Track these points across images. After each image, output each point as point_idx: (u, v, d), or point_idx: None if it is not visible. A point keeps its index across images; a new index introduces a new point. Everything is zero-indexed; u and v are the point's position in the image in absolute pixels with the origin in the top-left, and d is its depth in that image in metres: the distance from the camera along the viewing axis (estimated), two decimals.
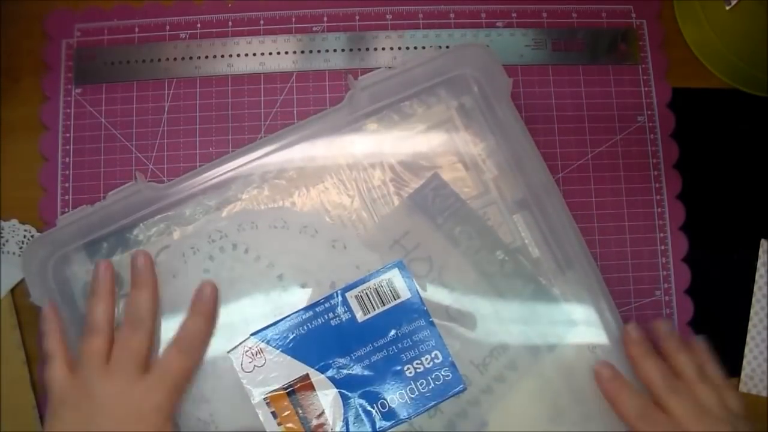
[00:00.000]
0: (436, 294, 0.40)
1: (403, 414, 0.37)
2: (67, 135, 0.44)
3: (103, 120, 0.44)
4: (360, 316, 0.38)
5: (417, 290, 0.38)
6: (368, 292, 0.39)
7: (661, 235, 0.45)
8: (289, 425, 0.37)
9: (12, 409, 0.42)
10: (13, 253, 0.43)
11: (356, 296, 0.38)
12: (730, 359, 0.44)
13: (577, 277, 0.40)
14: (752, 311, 0.45)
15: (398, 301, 0.38)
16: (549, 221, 0.41)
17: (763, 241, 0.45)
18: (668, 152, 0.45)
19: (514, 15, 0.46)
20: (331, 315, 0.38)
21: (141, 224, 0.41)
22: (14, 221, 0.43)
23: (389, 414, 0.37)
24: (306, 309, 0.38)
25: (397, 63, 0.42)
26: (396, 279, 0.39)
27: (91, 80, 0.45)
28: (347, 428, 0.37)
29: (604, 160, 0.45)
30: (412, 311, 0.38)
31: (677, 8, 0.47)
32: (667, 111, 0.46)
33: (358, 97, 0.41)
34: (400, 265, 0.39)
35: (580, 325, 0.40)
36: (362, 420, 0.37)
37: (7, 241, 0.43)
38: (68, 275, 0.40)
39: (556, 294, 0.41)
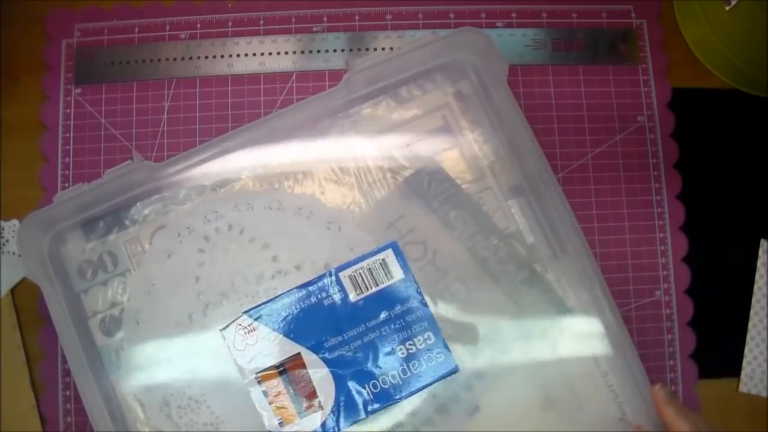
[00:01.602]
0: (429, 278, 0.40)
1: (395, 395, 0.37)
2: (67, 135, 0.44)
3: (103, 120, 0.44)
4: (353, 297, 0.38)
5: (410, 271, 0.38)
6: (362, 272, 0.38)
7: (661, 235, 0.45)
8: (281, 404, 0.37)
9: (12, 409, 0.42)
10: (14, 253, 0.43)
11: (349, 276, 0.38)
12: (730, 359, 0.44)
13: (571, 263, 0.40)
14: (752, 311, 0.45)
15: (392, 281, 0.38)
16: (544, 207, 0.41)
17: (763, 241, 0.45)
18: (668, 152, 0.45)
19: (513, 15, 0.46)
20: (324, 295, 0.38)
21: (137, 204, 0.41)
22: (14, 221, 0.43)
23: (381, 395, 0.37)
24: (299, 288, 0.38)
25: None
26: (389, 259, 0.39)
27: (90, 80, 0.45)
28: (338, 408, 0.37)
29: (604, 160, 0.45)
30: (406, 292, 0.38)
31: (677, 8, 0.47)
32: (667, 111, 0.46)
33: (355, 80, 0.41)
34: (394, 246, 0.39)
35: (574, 312, 0.40)
36: (354, 400, 0.37)
37: (7, 241, 0.43)
38: (63, 253, 0.41)
39: (550, 280, 0.41)
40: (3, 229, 0.43)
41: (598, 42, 0.46)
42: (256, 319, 0.38)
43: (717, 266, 0.45)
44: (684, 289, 0.44)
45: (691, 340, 0.44)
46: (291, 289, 0.38)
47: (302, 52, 0.45)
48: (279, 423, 0.37)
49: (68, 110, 0.44)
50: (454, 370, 0.38)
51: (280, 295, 0.38)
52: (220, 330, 0.38)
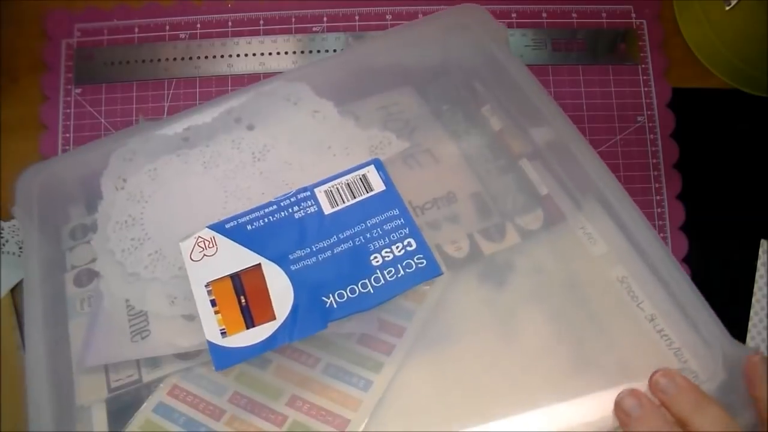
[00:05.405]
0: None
1: (363, 305, 0.34)
2: (67, 135, 0.44)
3: (103, 120, 0.44)
4: (327, 209, 0.36)
5: (393, 184, 0.36)
6: (339, 187, 0.37)
7: (661, 235, 0.45)
8: (228, 314, 0.35)
9: (12, 409, 0.42)
10: (13, 253, 0.43)
11: (325, 191, 0.37)
12: None
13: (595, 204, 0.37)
14: (752, 311, 0.45)
15: (371, 193, 0.36)
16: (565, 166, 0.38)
17: (763, 241, 0.45)
18: (668, 152, 0.45)
19: (514, 15, 0.46)
20: (295, 209, 0.36)
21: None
22: (14, 221, 0.43)
23: (347, 304, 0.34)
24: (268, 203, 0.36)
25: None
26: (371, 174, 0.37)
27: (90, 80, 0.45)
28: (295, 319, 0.34)
29: (604, 160, 0.45)
30: (386, 202, 0.36)
31: (677, 8, 0.47)
32: (667, 111, 0.46)
33: None
34: (377, 163, 0.37)
35: (604, 257, 0.36)
36: (314, 312, 0.34)
37: (7, 241, 0.43)
38: (63, 215, 0.39)
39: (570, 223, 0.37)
40: (3, 229, 0.43)
41: (598, 42, 0.46)
42: (218, 232, 0.36)
43: (717, 266, 0.45)
44: None
45: None
46: (260, 205, 0.36)
47: (302, 52, 0.45)
48: (221, 332, 0.34)
49: (68, 110, 0.44)
50: (438, 274, 0.35)
51: (249, 210, 0.36)
52: (180, 242, 0.36)
